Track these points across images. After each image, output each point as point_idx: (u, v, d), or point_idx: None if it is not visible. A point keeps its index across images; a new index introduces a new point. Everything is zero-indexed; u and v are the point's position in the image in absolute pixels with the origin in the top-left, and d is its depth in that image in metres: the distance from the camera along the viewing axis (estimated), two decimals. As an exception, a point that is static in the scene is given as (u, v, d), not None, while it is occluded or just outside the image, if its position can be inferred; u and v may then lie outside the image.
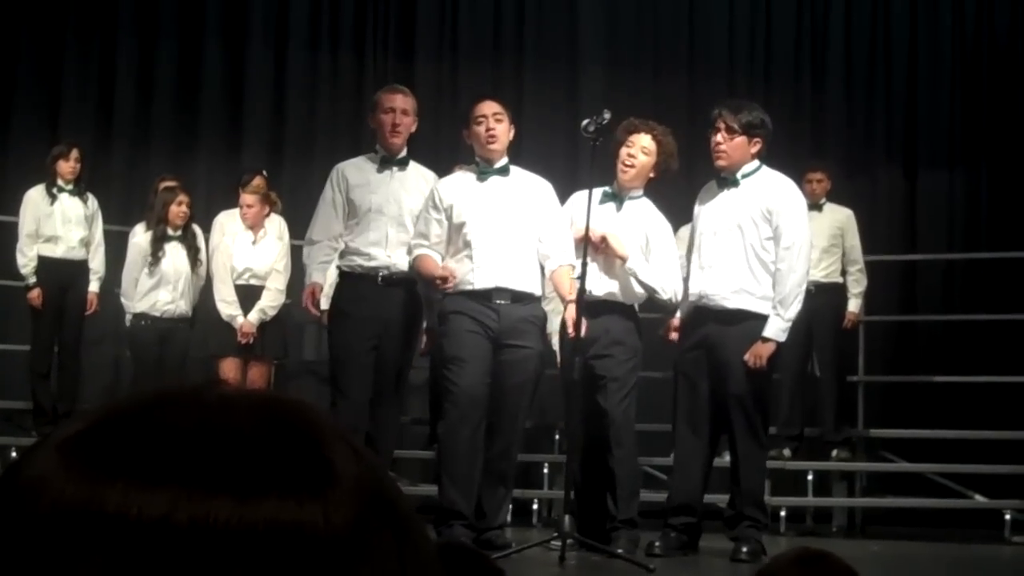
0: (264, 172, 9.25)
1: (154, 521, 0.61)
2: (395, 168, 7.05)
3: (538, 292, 6.79)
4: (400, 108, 7.05)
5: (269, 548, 0.62)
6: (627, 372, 6.89)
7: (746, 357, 6.70)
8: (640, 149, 6.99)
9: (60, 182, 9.06)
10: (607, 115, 6.49)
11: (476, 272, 6.63)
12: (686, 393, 6.94)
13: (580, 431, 6.83)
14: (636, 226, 6.98)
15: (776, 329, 6.74)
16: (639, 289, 6.93)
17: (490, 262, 6.64)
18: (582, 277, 6.39)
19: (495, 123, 6.77)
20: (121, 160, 10.73)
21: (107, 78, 10.85)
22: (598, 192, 6.90)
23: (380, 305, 6.93)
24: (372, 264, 6.96)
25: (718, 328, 6.81)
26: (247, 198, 8.96)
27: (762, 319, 6.75)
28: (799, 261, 6.80)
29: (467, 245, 6.66)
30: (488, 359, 6.60)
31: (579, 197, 7.01)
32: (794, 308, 6.77)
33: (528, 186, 6.85)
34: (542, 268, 6.80)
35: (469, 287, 6.63)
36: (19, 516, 0.63)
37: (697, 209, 7.07)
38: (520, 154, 10.81)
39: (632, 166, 6.99)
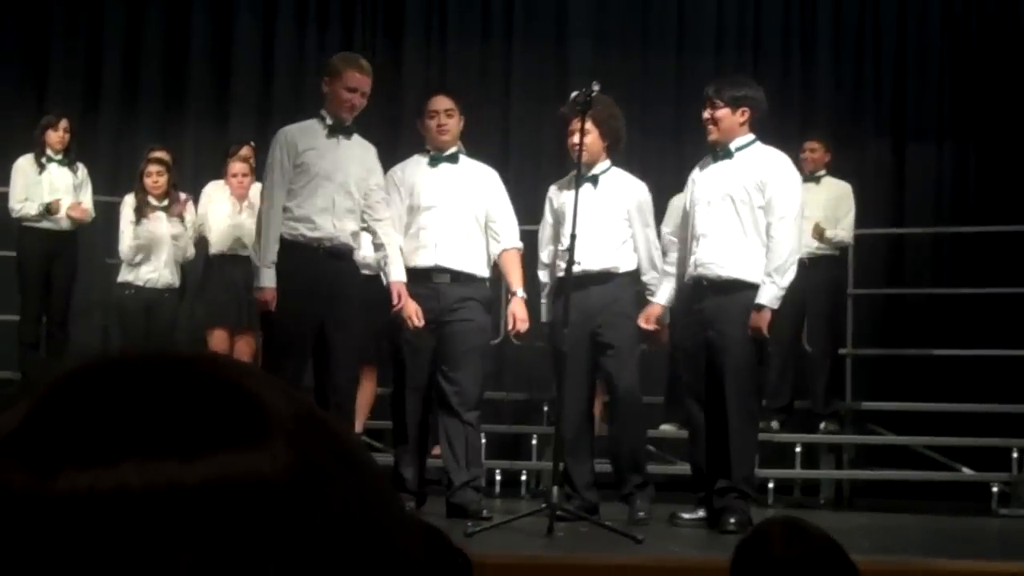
0: (252, 143, 9.22)
1: (106, 494, 0.61)
2: (341, 136, 6.91)
3: (482, 273, 7.12)
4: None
5: (222, 503, 0.62)
6: (633, 341, 7.13)
7: (749, 332, 6.72)
8: (576, 134, 6.96)
9: (49, 152, 9.04)
10: (596, 88, 6.51)
11: (419, 251, 7.01)
12: (688, 367, 7.00)
13: (580, 400, 7.07)
14: (617, 199, 7.19)
15: (770, 296, 6.72)
16: (631, 264, 7.21)
17: (434, 242, 7.02)
18: (571, 249, 6.40)
19: (446, 119, 7.15)
20: (109, 131, 10.69)
21: (94, 49, 10.80)
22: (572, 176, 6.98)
23: (325, 279, 6.71)
24: (316, 234, 6.70)
25: (714, 301, 6.81)
26: (235, 167, 8.95)
27: (757, 289, 6.76)
28: (791, 231, 6.79)
29: (415, 225, 7.04)
30: (433, 339, 6.99)
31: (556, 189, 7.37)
32: (789, 276, 6.75)
33: (475, 174, 7.24)
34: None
35: (411, 265, 6.97)
36: None
37: (691, 181, 7.06)
38: (509, 128, 10.89)
39: (579, 150, 6.93)
